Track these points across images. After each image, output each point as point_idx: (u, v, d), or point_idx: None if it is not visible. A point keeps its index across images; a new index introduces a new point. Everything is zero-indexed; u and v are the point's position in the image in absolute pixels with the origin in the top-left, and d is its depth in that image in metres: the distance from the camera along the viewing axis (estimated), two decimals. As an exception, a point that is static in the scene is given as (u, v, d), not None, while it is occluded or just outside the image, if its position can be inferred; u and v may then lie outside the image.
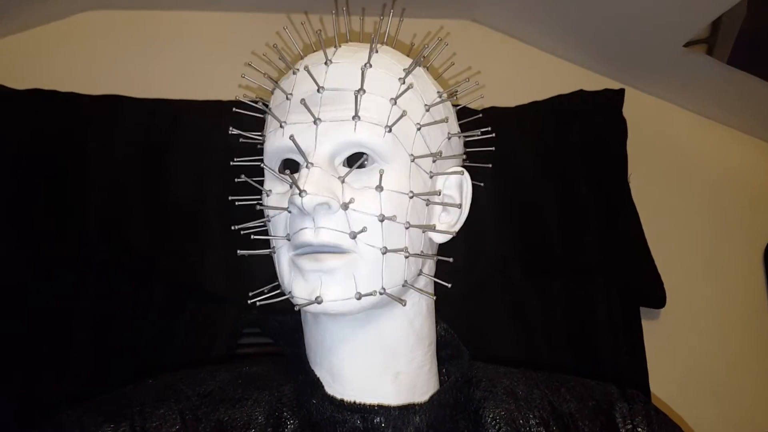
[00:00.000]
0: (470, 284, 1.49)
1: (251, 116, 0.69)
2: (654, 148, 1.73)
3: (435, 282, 0.64)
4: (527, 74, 1.74)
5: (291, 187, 0.57)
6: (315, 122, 0.58)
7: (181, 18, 1.64)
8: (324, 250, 0.57)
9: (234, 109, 0.71)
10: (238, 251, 0.64)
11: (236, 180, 0.70)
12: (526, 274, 1.54)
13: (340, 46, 0.63)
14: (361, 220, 0.57)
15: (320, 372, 0.62)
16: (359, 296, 0.56)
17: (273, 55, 0.71)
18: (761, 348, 1.69)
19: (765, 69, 1.51)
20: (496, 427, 0.63)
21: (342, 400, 0.60)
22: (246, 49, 1.61)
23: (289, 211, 0.58)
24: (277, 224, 0.59)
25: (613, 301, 1.55)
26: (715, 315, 1.69)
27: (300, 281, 0.57)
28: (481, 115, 0.74)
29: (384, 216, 0.57)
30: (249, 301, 0.62)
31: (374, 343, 0.61)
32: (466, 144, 0.72)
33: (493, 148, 0.79)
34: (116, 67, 1.58)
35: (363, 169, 0.59)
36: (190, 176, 1.44)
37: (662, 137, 1.75)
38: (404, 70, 0.62)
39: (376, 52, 0.62)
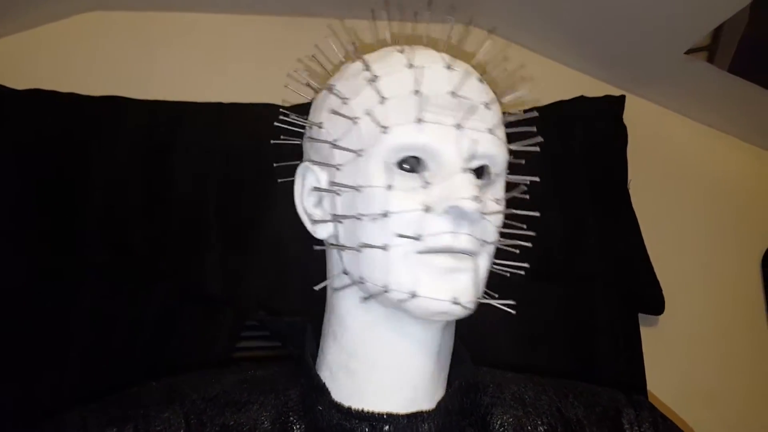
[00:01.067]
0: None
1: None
2: (654, 155, 1.73)
3: None
4: (528, 80, 1.74)
5: (425, 186, 0.58)
6: (458, 127, 0.58)
7: (182, 19, 1.63)
8: (459, 252, 0.59)
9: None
10: (315, 247, 0.63)
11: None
12: (525, 279, 1.53)
13: (443, 56, 0.65)
14: (491, 231, 0.61)
15: (334, 376, 0.62)
16: (476, 300, 0.59)
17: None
18: (758, 354, 1.69)
19: (766, 77, 1.51)
20: (498, 428, 0.63)
21: (350, 408, 0.60)
22: (246, 50, 1.62)
23: (426, 211, 0.57)
24: (399, 221, 0.58)
25: (612, 308, 1.55)
26: (713, 321, 1.69)
27: (437, 280, 0.57)
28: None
29: (498, 227, 0.62)
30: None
31: (440, 350, 0.63)
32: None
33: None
34: (116, 67, 1.57)
35: (488, 180, 0.62)
36: (190, 178, 1.44)
37: (662, 144, 1.76)
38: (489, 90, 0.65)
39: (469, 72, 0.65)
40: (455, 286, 0.58)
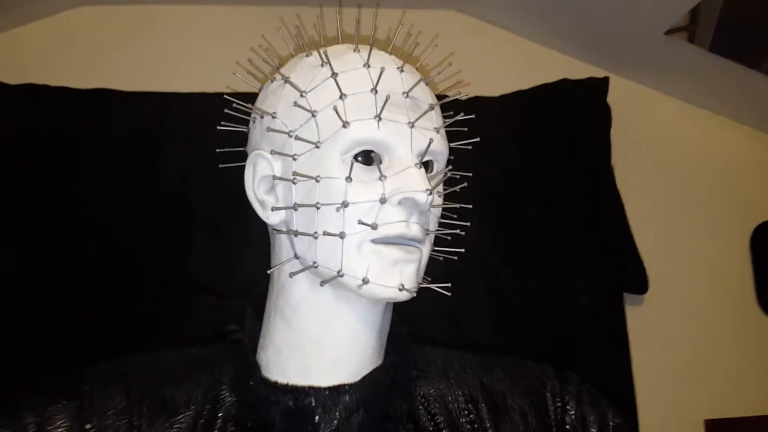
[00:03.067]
0: (449, 272, 1.51)
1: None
2: (638, 135, 1.74)
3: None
4: (512, 63, 1.75)
5: (380, 179, 0.62)
6: (411, 125, 0.62)
7: (170, 12, 1.66)
8: (411, 243, 0.62)
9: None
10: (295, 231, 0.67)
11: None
12: (507, 263, 1.56)
13: (392, 57, 0.69)
14: (433, 221, 0.66)
15: (268, 355, 0.65)
16: (418, 285, 0.63)
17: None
18: (747, 331, 1.71)
19: (746, 55, 1.51)
20: (425, 403, 0.66)
21: (276, 383, 0.63)
22: (234, 42, 1.64)
23: (382, 202, 0.61)
24: (357, 211, 0.61)
25: (595, 289, 1.57)
26: (702, 299, 1.71)
27: (387, 269, 0.61)
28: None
29: (438, 217, 0.66)
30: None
31: (381, 327, 0.67)
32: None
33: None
34: (106, 61, 1.61)
35: (431, 175, 0.66)
36: (177, 169, 1.47)
37: (647, 124, 1.76)
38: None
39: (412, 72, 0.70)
40: (402, 275, 0.61)
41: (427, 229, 0.65)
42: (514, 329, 1.54)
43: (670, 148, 1.77)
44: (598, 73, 1.70)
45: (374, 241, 0.62)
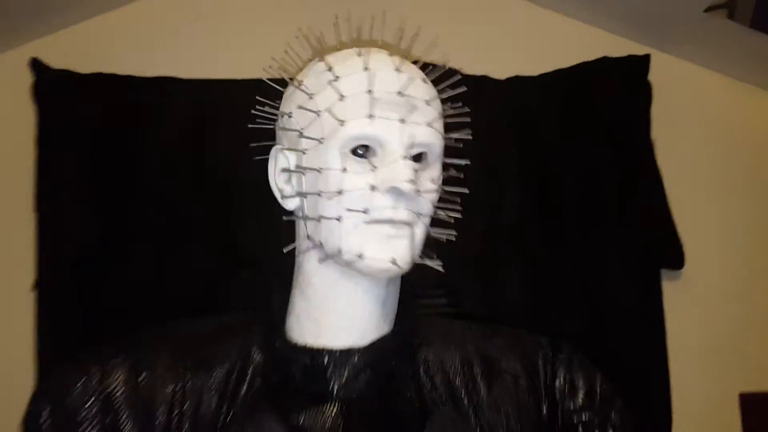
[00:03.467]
0: (485, 249, 1.59)
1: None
2: (680, 110, 1.75)
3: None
4: (552, 41, 1.78)
5: (372, 170, 0.71)
6: (402, 121, 0.71)
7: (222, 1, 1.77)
8: (398, 222, 0.71)
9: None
10: (285, 217, 0.77)
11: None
12: (543, 239, 1.62)
13: (392, 56, 0.75)
14: (425, 205, 0.72)
15: (293, 320, 0.75)
16: (412, 262, 0.71)
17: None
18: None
19: (788, 31, 1.50)
20: (426, 366, 0.75)
21: (296, 344, 0.73)
22: (284, 28, 1.74)
23: (372, 190, 0.70)
24: (350, 198, 0.70)
25: (631, 265, 1.61)
26: (740, 276, 1.72)
27: (378, 245, 0.70)
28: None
29: (433, 202, 0.73)
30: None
31: (383, 301, 0.76)
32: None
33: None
34: (169, 49, 1.73)
35: (424, 165, 0.74)
36: (230, 149, 1.59)
37: (688, 99, 1.76)
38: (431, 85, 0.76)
39: (413, 69, 0.76)
40: (394, 250, 0.70)
41: (419, 213, 0.72)
42: (549, 307, 1.60)
43: (712, 123, 1.77)
44: (639, 49, 1.72)
45: (367, 223, 0.70)
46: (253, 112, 0.82)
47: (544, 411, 0.75)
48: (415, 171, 0.70)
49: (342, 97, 0.71)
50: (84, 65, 1.66)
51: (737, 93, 1.79)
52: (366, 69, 0.72)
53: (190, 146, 1.64)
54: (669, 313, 1.65)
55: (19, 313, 1.56)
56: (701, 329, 1.68)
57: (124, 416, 0.69)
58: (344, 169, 0.71)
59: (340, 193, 0.70)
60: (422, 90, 0.74)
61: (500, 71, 1.71)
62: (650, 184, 1.67)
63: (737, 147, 1.76)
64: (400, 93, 0.71)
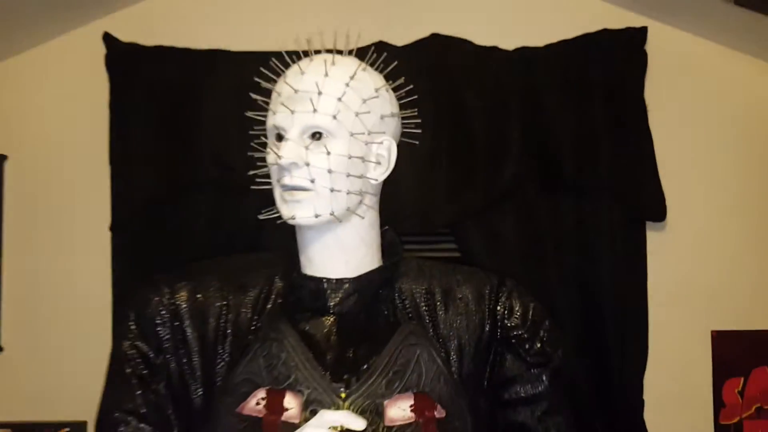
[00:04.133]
0: (490, 199, 1.83)
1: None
2: (672, 75, 1.93)
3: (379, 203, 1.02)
4: (556, 14, 1.96)
5: (279, 149, 0.94)
6: (292, 113, 0.96)
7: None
8: (297, 188, 0.94)
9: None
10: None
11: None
12: (541, 194, 1.85)
13: (312, 59, 0.98)
14: (316, 172, 0.94)
15: (302, 258, 1.02)
16: (316, 216, 0.95)
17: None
18: (760, 258, 1.92)
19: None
20: (400, 293, 1.00)
21: (305, 274, 1.00)
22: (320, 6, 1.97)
23: (276, 163, 0.94)
24: (272, 171, 0.97)
25: (618, 215, 1.84)
26: (721, 226, 1.93)
27: (284, 206, 0.95)
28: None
29: (331, 170, 0.95)
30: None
31: (333, 242, 1.00)
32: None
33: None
34: (219, 24, 1.99)
35: (320, 141, 0.95)
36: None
37: (680, 64, 1.94)
38: (350, 77, 0.97)
39: (333, 64, 0.98)
40: (292, 209, 0.94)
41: (312, 179, 0.92)
42: (543, 252, 1.85)
43: (700, 87, 1.95)
44: (638, 20, 1.90)
45: (281, 188, 0.95)
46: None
47: (487, 329, 1.01)
48: (306, 147, 0.92)
49: (277, 95, 0.96)
50: (147, 38, 1.94)
51: (726, 59, 1.95)
52: (294, 73, 0.96)
53: (237, 109, 1.90)
54: (651, 260, 1.88)
55: (101, 248, 1.91)
56: (679, 275, 1.91)
57: (187, 322, 0.98)
58: (269, 151, 0.97)
59: (268, 166, 0.97)
60: (318, 84, 0.93)
61: (509, 42, 1.92)
62: (640, 144, 1.87)
63: (723, 110, 1.94)
64: (296, 91, 0.94)
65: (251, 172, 1.04)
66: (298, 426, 0.88)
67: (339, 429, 0.87)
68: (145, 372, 0.98)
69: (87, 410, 1.86)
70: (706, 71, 1.96)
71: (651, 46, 1.90)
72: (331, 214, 0.95)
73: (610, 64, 1.87)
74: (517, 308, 1.03)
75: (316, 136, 0.94)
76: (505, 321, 1.02)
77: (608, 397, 1.83)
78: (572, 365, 1.80)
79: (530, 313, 1.03)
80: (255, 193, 1.84)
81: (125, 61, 1.94)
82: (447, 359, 0.98)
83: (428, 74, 1.86)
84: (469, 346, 1.01)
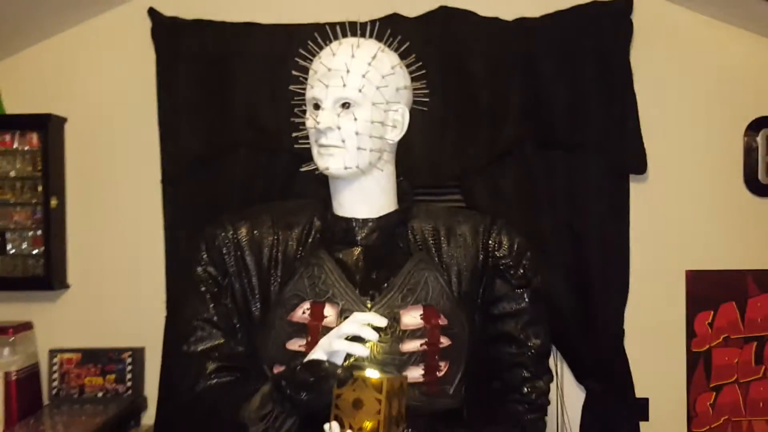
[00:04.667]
0: (492, 156, 2.09)
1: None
2: (657, 42, 2.15)
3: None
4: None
5: (317, 115, 1.19)
6: (326, 87, 1.22)
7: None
8: (330, 147, 1.19)
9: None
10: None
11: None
12: (537, 148, 2.10)
13: (341, 43, 1.23)
14: (346, 134, 1.20)
15: (333, 203, 1.29)
16: (345, 168, 1.22)
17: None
18: (731, 206, 2.18)
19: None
20: (412, 230, 1.27)
21: (337, 215, 1.27)
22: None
23: (315, 127, 1.19)
24: (311, 133, 1.21)
25: (604, 168, 2.09)
26: (698, 178, 2.18)
27: (321, 160, 1.20)
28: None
29: (357, 132, 1.22)
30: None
31: (358, 190, 1.25)
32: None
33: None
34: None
35: (348, 110, 1.20)
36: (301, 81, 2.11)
37: (664, 32, 2.16)
38: (371, 57, 1.23)
39: (358, 47, 1.23)
40: (326, 162, 1.19)
41: (343, 139, 1.18)
42: (539, 202, 2.11)
43: (683, 53, 2.18)
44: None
45: (318, 147, 1.20)
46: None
47: (480, 258, 1.28)
48: (338, 115, 1.18)
49: (314, 72, 1.20)
50: (187, 12, 2.19)
51: (703, 26, 2.17)
52: (326, 55, 1.20)
53: (268, 76, 2.16)
54: (633, 209, 2.13)
55: (153, 199, 2.20)
56: (658, 222, 2.16)
57: (246, 252, 1.26)
58: (309, 117, 1.22)
59: (308, 128, 1.22)
60: (348, 63, 1.17)
61: (509, 13, 2.14)
62: (625, 105, 2.11)
63: (700, 73, 2.17)
64: (329, 69, 1.18)
65: (294, 134, 1.30)
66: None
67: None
68: (215, 290, 1.26)
69: (144, 338, 2.21)
70: (685, 38, 2.18)
71: (637, 16, 2.12)
72: (357, 167, 1.21)
73: (599, 32, 2.10)
74: (505, 242, 1.30)
75: (346, 105, 1.19)
76: (495, 252, 1.29)
77: (593, 327, 2.10)
78: (562, 299, 2.10)
79: (515, 246, 1.30)
80: (284, 152, 2.13)
81: (168, 34, 2.19)
82: (449, 281, 1.26)
83: (436, 43, 2.10)
84: (466, 272, 1.27)
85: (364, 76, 1.20)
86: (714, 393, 2.19)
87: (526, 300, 1.30)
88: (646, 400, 2.17)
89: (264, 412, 1.12)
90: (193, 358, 1.25)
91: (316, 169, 1.24)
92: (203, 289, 1.27)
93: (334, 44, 1.23)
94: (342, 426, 1.06)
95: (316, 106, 1.21)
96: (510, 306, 1.30)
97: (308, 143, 1.26)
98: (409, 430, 1.10)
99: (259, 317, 1.25)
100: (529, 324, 1.30)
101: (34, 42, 2.26)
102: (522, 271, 1.30)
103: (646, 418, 2.17)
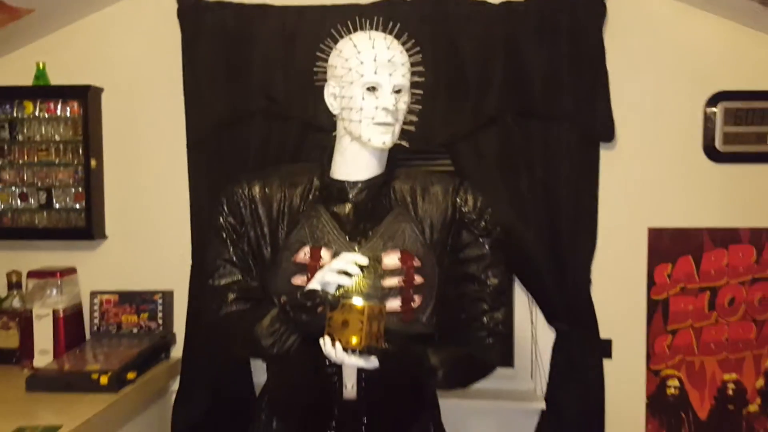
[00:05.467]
0: (477, 124, 2.36)
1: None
2: (630, 23, 2.39)
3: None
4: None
5: (377, 98, 1.44)
6: (390, 75, 1.46)
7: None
8: (388, 124, 1.46)
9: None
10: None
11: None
12: (516, 116, 2.37)
13: (386, 38, 1.46)
14: (399, 114, 1.47)
15: (334, 167, 1.58)
16: (392, 142, 1.48)
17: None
18: (690, 170, 2.43)
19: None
20: (394, 189, 1.54)
21: (332, 178, 1.56)
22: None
23: (376, 108, 1.44)
24: (368, 112, 1.44)
25: (576, 137, 2.35)
26: (662, 144, 2.43)
27: (378, 135, 1.46)
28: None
29: (403, 112, 1.48)
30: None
31: (368, 157, 1.52)
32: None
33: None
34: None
35: (399, 94, 1.46)
36: (308, 56, 2.36)
37: (640, 16, 2.39)
38: (403, 52, 1.48)
39: (393, 41, 1.47)
40: (384, 137, 1.46)
41: (396, 119, 1.47)
42: (518, 163, 2.38)
43: (648, 32, 2.40)
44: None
45: (373, 124, 1.49)
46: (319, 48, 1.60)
47: (449, 213, 1.55)
48: (396, 98, 1.46)
49: (362, 63, 1.47)
50: (208, -6, 2.46)
51: (669, 8, 2.39)
52: (373, 47, 1.48)
53: (281, 52, 2.43)
54: (602, 173, 2.39)
55: (179, 161, 2.50)
56: (623, 184, 2.42)
57: (260, 206, 1.55)
58: (363, 98, 1.48)
59: (361, 109, 1.49)
60: (400, 55, 1.47)
61: (496, -2, 2.39)
62: (597, 80, 2.35)
63: (665, 51, 2.40)
64: (389, 60, 1.46)
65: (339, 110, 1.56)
66: None
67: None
68: (234, 237, 1.56)
69: (173, 282, 2.54)
70: (654, 19, 2.40)
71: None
72: (399, 142, 1.50)
73: (575, 14, 2.32)
74: (470, 200, 1.58)
75: (398, 91, 1.48)
76: (462, 208, 1.57)
77: (563, 275, 2.38)
78: (536, 251, 2.38)
79: (478, 203, 1.58)
80: (293, 120, 2.41)
81: (192, 14, 2.45)
82: (422, 231, 1.54)
83: (430, 23, 2.34)
84: (437, 224, 1.56)
85: (406, 66, 1.48)
86: (670, 335, 2.48)
87: (487, 247, 1.58)
88: (610, 340, 2.46)
89: (272, 329, 1.43)
90: (217, 290, 1.56)
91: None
92: (224, 235, 1.57)
93: (381, 37, 1.48)
94: (333, 341, 1.37)
95: (372, 89, 1.46)
96: (473, 252, 1.58)
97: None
98: (387, 344, 1.41)
99: (269, 259, 1.55)
100: (488, 266, 1.59)
101: (74, 20, 2.54)
102: (484, 223, 1.58)
103: (609, 357, 2.46)
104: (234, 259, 1.56)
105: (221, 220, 1.58)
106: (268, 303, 1.50)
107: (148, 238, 2.59)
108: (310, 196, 1.57)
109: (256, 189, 1.58)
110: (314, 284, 1.42)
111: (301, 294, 1.41)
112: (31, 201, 2.56)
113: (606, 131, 2.37)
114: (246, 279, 1.56)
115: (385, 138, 1.47)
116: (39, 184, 2.54)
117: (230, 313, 1.54)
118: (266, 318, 1.45)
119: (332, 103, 1.54)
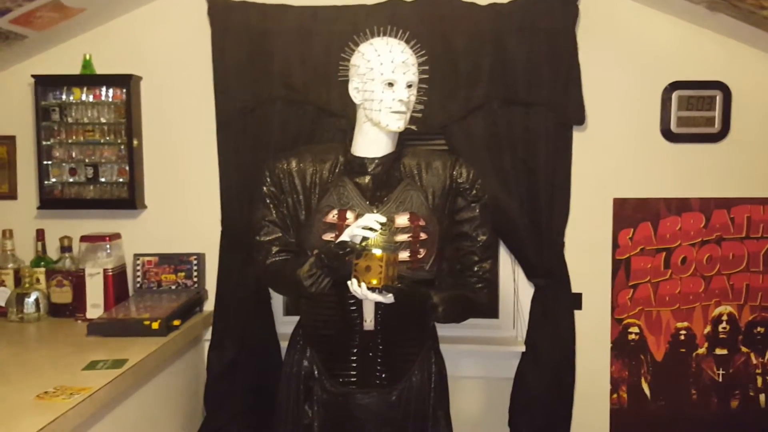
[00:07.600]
0: (468, 110, 2.75)
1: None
2: (600, 20, 2.76)
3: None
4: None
5: (393, 92, 1.81)
6: (404, 73, 1.82)
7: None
8: (401, 113, 1.82)
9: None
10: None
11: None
12: (501, 104, 2.76)
13: (400, 43, 1.83)
14: (410, 105, 1.84)
15: (355, 146, 1.95)
16: (404, 127, 1.85)
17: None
18: (649, 149, 2.82)
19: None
20: (403, 165, 1.92)
21: (354, 155, 1.92)
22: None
23: (393, 100, 1.80)
24: (385, 103, 1.81)
25: (552, 122, 2.75)
26: (626, 127, 2.81)
27: (393, 121, 1.82)
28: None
29: (413, 103, 1.85)
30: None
31: (383, 138, 1.88)
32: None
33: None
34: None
35: (410, 89, 1.83)
36: (324, 47, 2.73)
37: (609, 18, 2.77)
38: (416, 54, 1.86)
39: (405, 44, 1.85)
40: (399, 123, 1.83)
41: (408, 108, 1.83)
42: (503, 144, 2.77)
43: (616, 30, 2.78)
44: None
45: (390, 112, 1.85)
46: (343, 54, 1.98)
47: (448, 183, 1.93)
48: (408, 92, 1.83)
49: (381, 64, 1.84)
50: (234, -5, 2.81)
51: (635, 11, 2.76)
52: (390, 51, 1.84)
53: (298, 46, 2.80)
54: (575, 152, 2.78)
55: (210, 141, 2.86)
56: (593, 162, 2.81)
57: (296, 177, 1.92)
58: (382, 92, 1.85)
59: (381, 101, 1.86)
60: (410, 59, 1.83)
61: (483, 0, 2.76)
62: (571, 72, 2.73)
63: (631, 47, 2.77)
64: (403, 62, 1.82)
65: (363, 100, 1.97)
66: None
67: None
68: (276, 202, 1.94)
69: (205, 246, 2.95)
70: (620, 19, 2.77)
71: (582, 2, 2.72)
72: (409, 126, 1.87)
73: (552, 15, 2.70)
74: (464, 173, 1.95)
75: (410, 86, 1.84)
76: (458, 179, 1.95)
77: (541, 239, 2.78)
78: (517, 218, 2.78)
79: (471, 175, 1.96)
80: (309, 105, 2.79)
81: (221, 12, 2.80)
82: (426, 197, 1.92)
83: (428, 23, 2.70)
84: (438, 191, 1.92)
85: (415, 66, 1.85)
86: (632, 290, 2.88)
87: (477, 210, 1.96)
88: (580, 294, 2.85)
89: (311, 273, 1.82)
90: (262, 244, 1.95)
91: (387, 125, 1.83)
92: (268, 201, 1.95)
93: (394, 42, 1.84)
94: (358, 282, 1.77)
95: (390, 85, 1.82)
96: (466, 214, 1.96)
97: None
98: (398, 283, 1.80)
99: (304, 220, 1.91)
100: (478, 226, 1.96)
101: (116, 16, 2.87)
102: (475, 191, 1.97)
103: (580, 308, 2.86)
104: (276, 220, 1.94)
105: (265, 189, 1.95)
106: (303, 255, 1.88)
107: (182, 207, 2.95)
108: (337, 169, 1.94)
109: (293, 164, 1.95)
110: (344, 237, 1.80)
111: (334, 245, 1.80)
112: (80, 176, 2.91)
113: (578, 116, 2.76)
114: (285, 237, 1.95)
115: (400, 123, 1.85)
116: (86, 160, 2.89)
117: (274, 262, 1.94)
118: (306, 265, 1.83)
119: (355, 95, 1.90)
